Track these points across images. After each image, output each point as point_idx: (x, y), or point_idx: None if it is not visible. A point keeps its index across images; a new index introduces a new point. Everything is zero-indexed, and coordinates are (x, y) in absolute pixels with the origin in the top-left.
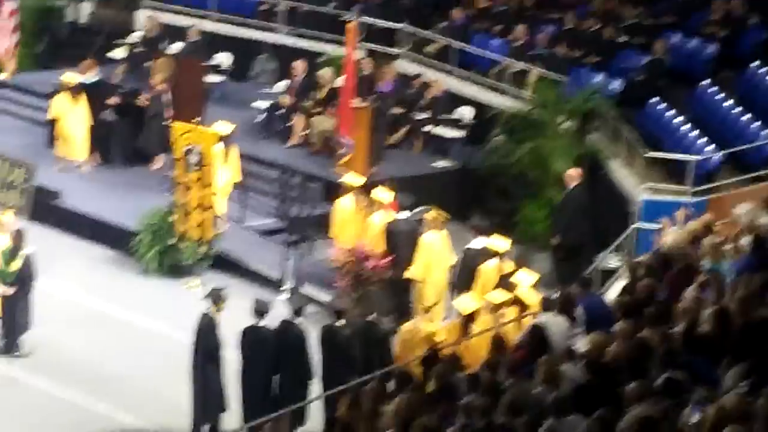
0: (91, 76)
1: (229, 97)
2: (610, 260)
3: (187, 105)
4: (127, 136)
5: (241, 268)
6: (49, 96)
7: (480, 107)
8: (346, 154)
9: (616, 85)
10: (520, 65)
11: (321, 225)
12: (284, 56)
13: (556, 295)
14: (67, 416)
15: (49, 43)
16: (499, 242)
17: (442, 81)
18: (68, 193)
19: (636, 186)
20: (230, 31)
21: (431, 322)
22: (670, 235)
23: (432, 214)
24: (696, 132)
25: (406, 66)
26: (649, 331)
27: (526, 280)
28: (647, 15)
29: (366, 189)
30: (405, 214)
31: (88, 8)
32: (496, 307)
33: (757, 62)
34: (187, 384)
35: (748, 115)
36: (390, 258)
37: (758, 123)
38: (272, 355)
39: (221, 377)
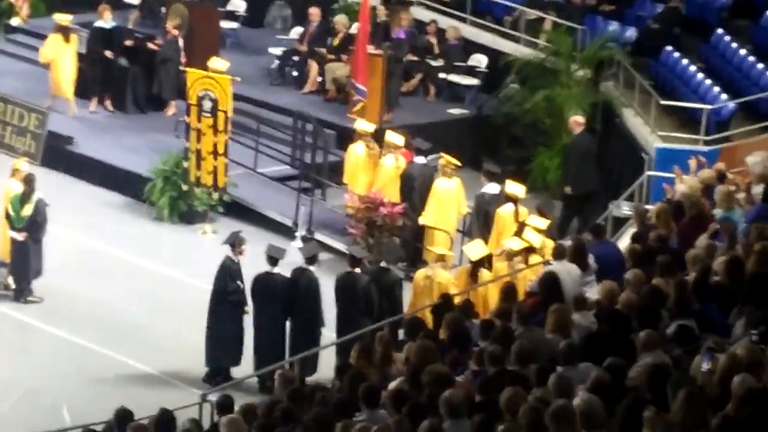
0: (107, 21)
1: (243, 44)
2: (624, 208)
3: (202, 51)
4: (141, 82)
5: (255, 215)
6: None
7: (494, 55)
8: (360, 101)
9: (631, 33)
10: (535, 13)
11: (334, 172)
12: (299, 3)
13: (568, 243)
14: (80, 361)
15: None
16: (516, 187)
17: (457, 28)
18: (81, 139)
19: (649, 134)
20: None
21: (445, 270)
22: (683, 183)
23: (442, 161)
24: (709, 81)
25: (420, 13)
26: (660, 279)
27: (539, 224)
28: None
29: (379, 136)
30: (422, 159)
31: None
32: (513, 255)
33: None
34: (201, 331)
35: (762, 65)
36: (403, 205)
37: None
38: (284, 302)
39: (240, 324)
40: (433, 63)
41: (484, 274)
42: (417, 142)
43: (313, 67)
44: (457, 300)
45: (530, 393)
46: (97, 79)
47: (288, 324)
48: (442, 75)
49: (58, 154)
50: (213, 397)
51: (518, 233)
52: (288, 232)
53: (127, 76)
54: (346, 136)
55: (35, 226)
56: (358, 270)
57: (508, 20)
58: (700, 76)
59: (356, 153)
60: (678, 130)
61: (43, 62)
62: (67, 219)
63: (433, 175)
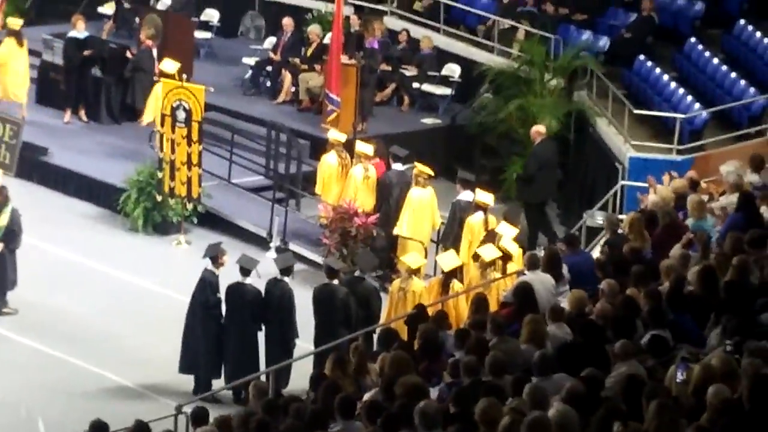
0: (80, 31)
1: (217, 54)
2: (597, 218)
3: (176, 61)
4: (115, 93)
5: (229, 226)
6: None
7: (468, 64)
8: (334, 111)
9: (604, 42)
10: (508, 22)
11: (309, 182)
12: (272, 13)
13: (541, 253)
14: (55, 373)
15: None
16: (485, 196)
17: (431, 38)
18: (55, 149)
19: (623, 144)
20: None
21: (420, 280)
22: (656, 193)
23: (416, 170)
24: (683, 90)
25: (394, 23)
26: (634, 289)
27: (508, 232)
28: None
29: (353, 146)
30: (399, 166)
31: None
32: (486, 264)
33: (744, 20)
34: (176, 342)
35: (735, 74)
36: (377, 215)
37: (744, 81)
38: (257, 313)
39: (220, 336)
40: (407, 73)
41: (456, 285)
42: (394, 149)
43: (287, 77)
44: (431, 310)
45: (505, 404)
46: (71, 89)
47: (262, 335)
48: (415, 85)
49: (33, 165)
50: (188, 409)
51: (487, 241)
52: (262, 243)
53: (101, 87)
54: (320, 147)
55: (11, 236)
56: (335, 281)
57: (482, 30)
58: (673, 85)
59: (328, 163)
60: (651, 140)
61: None
62: (42, 230)
63: (409, 183)
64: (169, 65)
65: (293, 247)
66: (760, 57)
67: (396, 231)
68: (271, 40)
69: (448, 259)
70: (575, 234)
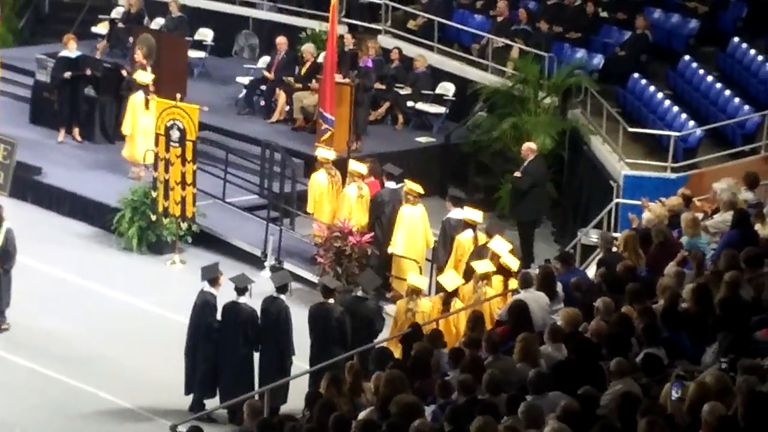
0: (72, 51)
1: (211, 73)
2: (592, 236)
3: (170, 81)
4: (109, 112)
5: (223, 245)
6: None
7: (462, 83)
8: (328, 130)
9: (598, 60)
10: (502, 41)
11: (303, 201)
12: (266, 32)
13: (535, 271)
14: (49, 393)
15: (31, 18)
16: (474, 213)
17: (425, 56)
18: (49, 169)
19: (617, 162)
20: (213, 6)
21: (426, 300)
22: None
23: (405, 188)
24: (677, 108)
25: (388, 41)
26: (629, 307)
27: (502, 247)
28: None
29: (346, 164)
30: (392, 184)
31: None
32: (479, 278)
33: (738, 38)
34: (171, 362)
35: (729, 91)
36: (371, 234)
37: (738, 99)
38: (253, 334)
39: (216, 356)
40: (401, 91)
41: (457, 303)
42: (388, 167)
43: (281, 96)
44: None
45: (500, 422)
46: (64, 109)
47: (257, 354)
48: (409, 103)
49: (27, 185)
50: (183, 429)
51: (476, 256)
52: (257, 262)
53: (95, 106)
54: (314, 165)
55: (6, 256)
56: (331, 300)
57: (476, 48)
58: (668, 103)
59: (318, 182)
60: (646, 158)
61: None
62: (36, 250)
63: (402, 201)
64: (144, 76)
65: (288, 266)
66: (754, 75)
67: (390, 250)
68: (265, 59)
69: (450, 279)
70: (570, 252)
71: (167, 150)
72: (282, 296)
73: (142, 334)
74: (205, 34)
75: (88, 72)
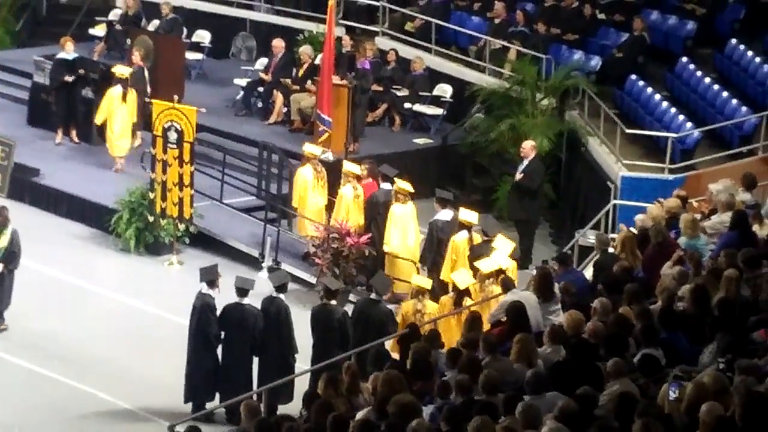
0: (69, 53)
1: (208, 75)
2: (590, 237)
3: (167, 82)
4: None
5: (221, 246)
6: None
7: (459, 84)
8: (325, 132)
9: (595, 62)
10: (500, 42)
11: None
12: (264, 34)
13: (533, 272)
14: (47, 393)
15: (29, 20)
16: (469, 214)
17: (422, 58)
18: (47, 170)
19: (615, 163)
20: (210, 9)
21: (431, 301)
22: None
23: (395, 187)
24: (674, 109)
25: (385, 43)
26: (627, 308)
27: (504, 246)
28: None
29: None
30: (388, 186)
31: None
32: (483, 277)
33: (735, 40)
34: (169, 362)
35: (726, 93)
36: (369, 235)
37: (736, 100)
38: (256, 334)
39: (218, 359)
40: (398, 93)
41: (467, 302)
42: (384, 168)
43: (279, 97)
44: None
45: (498, 422)
46: (62, 110)
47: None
48: (407, 105)
49: (24, 186)
50: (181, 429)
51: (472, 256)
52: (254, 263)
53: (92, 108)
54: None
55: (11, 257)
56: (333, 302)
57: (473, 50)
58: (665, 104)
59: (304, 176)
60: (643, 159)
61: None
62: (33, 251)
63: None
64: (123, 69)
65: (285, 266)
66: (752, 76)
67: (385, 248)
68: (262, 61)
69: (462, 277)
70: (568, 253)
71: (165, 151)
72: (281, 295)
73: (140, 335)
74: (203, 36)
75: (82, 72)
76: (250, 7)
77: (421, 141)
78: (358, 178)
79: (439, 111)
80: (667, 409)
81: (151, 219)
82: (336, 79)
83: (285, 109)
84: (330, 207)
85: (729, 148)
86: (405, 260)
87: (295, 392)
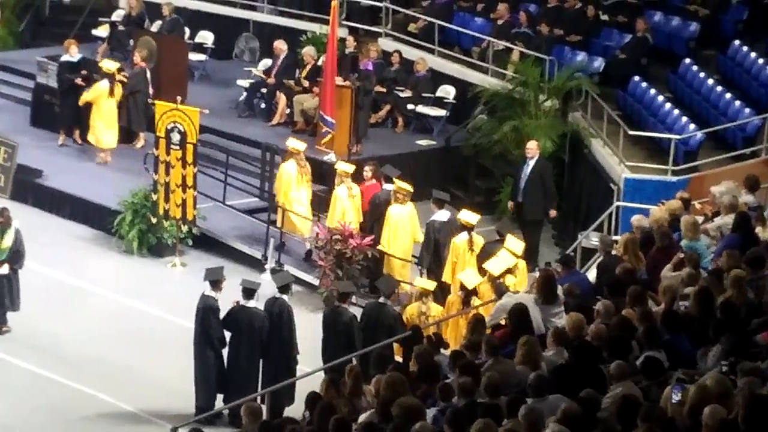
0: (73, 55)
1: (212, 76)
2: (593, 238)
3: (170, 83)
4: None
5: (224, 248)
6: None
7: (462, 86)
8: (328, 133)
9: (598, 63)
10: (503, 44)
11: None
12: (267, 35)
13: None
14: (49, 395)
15: (32, 21)
16: (469, 215)
17: (425, 59)
18: (50, 172)
19: (618, 165)
20: (213, 9)
21: (436, 304)
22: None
23: (394, 187)
24: (677, 111)
25: (388, 44)
26: (630, 310)
27: (515, 246)
28: None
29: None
30: (390, 186)
31: None
32: (494, 278)
33: (738, 41)
34: (171, 364)
35: (729, 94)
36: (372, 236)
37: (739, 102)
38: (262, 336)
39: (223, 361)
40: (401, 94)
41: (474, 302)
42: (386, 169)
43: (282, 99)
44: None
45: (501, 425)
46: (67, 112)
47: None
48: (410, 106)
49: (27, 188)
50: (184, 431)
51: (483, 258)
52: (257, 265)
53: None
54: (315, 169)
55: (16, 256)
56: (345, 305)
57: (476, 51)
58: (668, 106)
59: (288, 171)
60: (646, 161)
61: None
62: (36, 252)
63: None
64: (110, 64)
65: (288, 268)
66: (755, 78)
67: (379, 248)
68: (265, 62)
69: (470, 277)
70: (570, 255)
71: (168, 153)
72: (284, 296)
73: (142, 337)
74: (206, 37)
75: (83, 72)
76: (253, 8)
77: (424, 142)
78: (353, 177)
79: (442, 112)
80: (669, 411)
81: (154, 220)
82: (339, 81)
83: (288, 111)
84: (320, 204)
85: (732, 150)
86: (401, 260)
87: (297, 395)
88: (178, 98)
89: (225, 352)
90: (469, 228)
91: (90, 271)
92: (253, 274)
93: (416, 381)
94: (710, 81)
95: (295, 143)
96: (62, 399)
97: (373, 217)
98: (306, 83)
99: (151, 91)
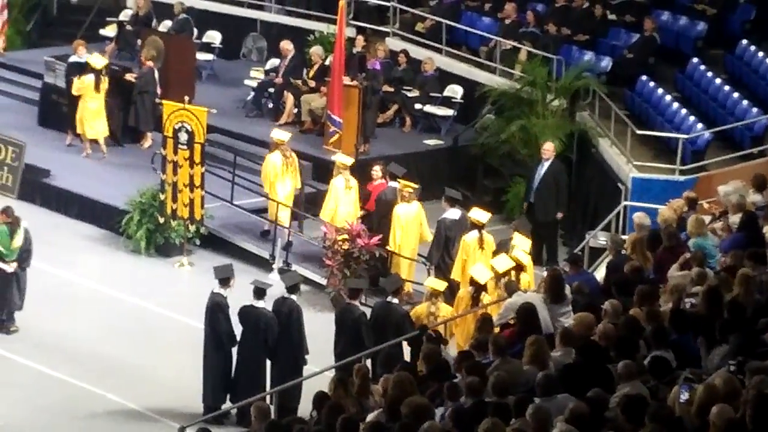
0: (81, 56)
1: (219, 76)
2: (600, 238)
3: (178, 83)
4: (117, 114)
5: (231, 247)
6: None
7: (470, 85)
8: (336, 133)
9: (606, 63)
10: (510, 43)
11: (311, 203)
12: (274, 34)
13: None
14: (57, 395)
15: (39, 21)
16: (480, 214)
17: (433, 59)
18: (57, 171)
19: (625, 164)
20: (221, 9)
21: (445, 304)
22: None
23: (399, 185)
24: (685, 110)
25: (396, 44)
26: (637, 309)
27: (522, 243)
28: None
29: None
30: (395, 185)
31: None
32: (500, 275)
33: (746, 41)
34: (179, 363)
35: (737, 94)
36: (380, 236)
37: (746, 101)
38: (273, 339)
39: (231, 360)
40: (409, 94)
41: (486, 298)
42: (392, 167)
43: (289, 98)
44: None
45: (509, 424)
46: (73, 111)
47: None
48: (417, 106)
49: (35, 187)
50: (191, 431)
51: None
52: (265, 264)
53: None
54: (322, 168)
55: (25, 255)
56: (355, 302)
57: (484, 51)
58: (676, 105)
59: (273, 162)
60: (654, 160)
61: None
62: (44, 252)
63: None
64: (98, 60)
65: (296, 268)
66: (763, 77)
67: (388, 247)
68: (273, 62)
69: (480, 273)
70: (578, 254)
71: (175, 152)
72: (293, 296)
73: (150, 336)
74: (213, 37)
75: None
76: (260, 8)
77: (431, 142)
78: (361, 178)
79: (449, 112)
80: (677, 411)
81: (161, 220)
82: (347, 80)
83: (296, 110)
84: (316, 200)
85: (740, 149)
86: (408, 260)
87: (305, 394)
88: (186, 98)
89: (234, 351)
90: (479, 226)
91: (97, 271)
92: (261, 273)
93: (425, 380)
94: (718, 80)
95: (279, 134)
96: (69, 398)
97: (379, 214)
98: (313, 83)
99: (158, 90)
